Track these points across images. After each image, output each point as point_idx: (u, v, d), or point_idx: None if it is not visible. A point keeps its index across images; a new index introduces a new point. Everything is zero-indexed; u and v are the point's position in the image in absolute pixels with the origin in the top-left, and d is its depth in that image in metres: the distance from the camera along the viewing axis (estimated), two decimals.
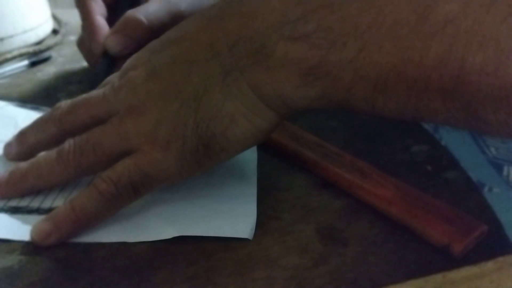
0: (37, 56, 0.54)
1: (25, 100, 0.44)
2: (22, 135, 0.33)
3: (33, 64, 0.52)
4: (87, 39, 0.44)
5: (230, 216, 0.29)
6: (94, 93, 0.31)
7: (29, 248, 0.27)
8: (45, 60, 0.53)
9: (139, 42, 0.40)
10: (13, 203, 0.30)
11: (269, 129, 0.28)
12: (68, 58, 0.54)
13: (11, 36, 0.54)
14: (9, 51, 0.53)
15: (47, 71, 0.51)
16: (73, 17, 0.66)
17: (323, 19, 0.24)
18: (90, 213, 0.28)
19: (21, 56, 0.53)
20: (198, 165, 0.28)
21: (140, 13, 0.40)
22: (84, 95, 0.32)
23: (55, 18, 0.63)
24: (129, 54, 0.40)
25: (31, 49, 0.55)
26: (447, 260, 0.26)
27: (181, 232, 0.28)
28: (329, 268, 0.26)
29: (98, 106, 0.30)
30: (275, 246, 0.27)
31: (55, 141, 0.31)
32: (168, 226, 0.28)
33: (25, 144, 0.33)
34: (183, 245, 0.28)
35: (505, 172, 0.36)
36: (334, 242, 0.28)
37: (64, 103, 0.32)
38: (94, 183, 0.28)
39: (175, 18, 0.41)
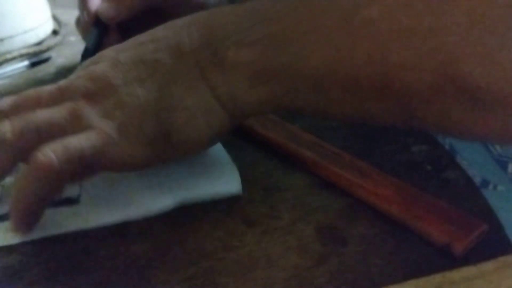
0: (37, 57, 0.54)
1: None
2: None
3: (33, 65, 0.52)
4: (80, 13, 0.44)
5: (217, 178, 0.31)
6: (47, 86, 0.30)
7: (29, 248, 0.27)
8: (45, 60, 0.53)
9: (131, 10, 0.41)
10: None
11: (223, 130, 0.29)
12: (68, 59, 0.54)
13: (11, 37, 0.54)
14: (9, 52, 0.53)
15: (47, 72, 0.51)
16: (73, 18, 0.66)
17: (267, 28, 0.27)
18: (34, 197, 0.26)
19: (21, 56, 0.54)
20: (153, 153, 0.28)
21: None
22: (33, 89, 0.30)
23: (55, 18, 0.63)
24: (121, 24, 0.40)
25: (31, 50, 0.55)
26: (447, 260, 0.26)
27: (179, 202, 0.30)
28: (329, 268, 0.26)
29: (49, 95, 0.28)
30: (275, 246, 0.27)
31: None
32: (164, 198, 0.30)
33: None
34: (183, 245, 0.28)
35: (510, 170, 0.36)
36: (334, 242, 0.28)
37: (7, 98, 0.29)
38: (32, 157, 0.25)
39: None
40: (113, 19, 0.41)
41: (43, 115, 0.27)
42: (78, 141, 0.26)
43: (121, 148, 0.27)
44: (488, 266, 0.24)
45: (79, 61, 0.44)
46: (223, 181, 0.31)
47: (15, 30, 0.55)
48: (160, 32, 0.30)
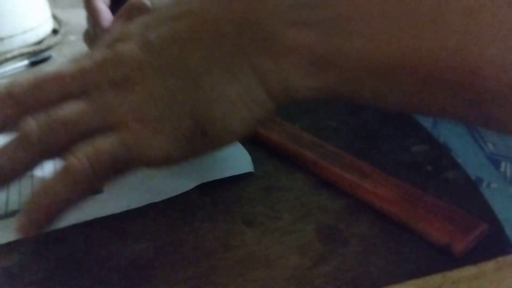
0: (37, 56, 0.54)
1: None
2: None
3: (33, 64, 0.52)
4: (90, 28, 0.43)
5: (231, 159, 0.34)
6: (67, 66, 0.27)
7: (29, 248, 0.27)
8: (45, 60, 0.53)
9: None
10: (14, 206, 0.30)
11: (265, 118, 0.27)
12: (68, 58, 0.54)
13: (11, 36, 0.54)
14: (9, 51, 0.53)
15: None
16: (73, 17, 0.66)
17: (336, 7, 0.23)
18: (62, 198, 0.24)
19: (21, 56, 0.54)
20: (190, 149, 0.26)
21: None
22: (52, 69, 0.27)
23: (55, 18, 0.63)
24: None
25: (31, 49, 0.55)
26: (447, 260, 0.26)
27: (199, 181, 0.31)
28: (329, 268, 0.26)
29: (72, 81, 0.26)
30: (275, 246, 0.27)
31: (13, 125, 0.26)
32: (184, 181, 0.31)
33: None
34: (183, 245, 0.28)
35: (502, 168, 0.36)
36: (334, 242, 0.28)
37: (24, 78, 0.27)
38: (67, 161, 0.24)
39: None
40: None
41: (70, 111, 0.25)
42: (111, 144, 0.24)
43: (156, 147, 0.25)
44: (488, 266, 0.24)
45: None
46: (237, 161, 0.33)
47: (15, 29, 0.55)
48: (195, 4, 0.26)
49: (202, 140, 0.26)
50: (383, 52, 0.23)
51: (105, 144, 0.24)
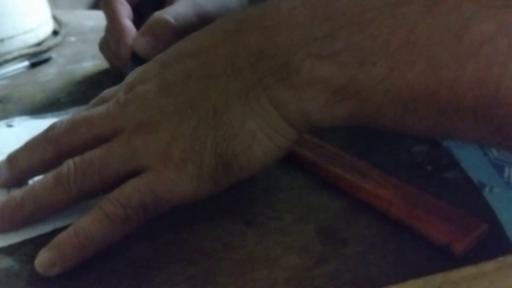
0: (37, 57, 0.54)
1: (25, 101, 0.44)
2: (13, 159, 0.30)
3: (33, 65, 0.52)
4: (112, 42, 0.43)
5: None
6: (96, 109, 0.29)
7: (29, 248, 0.27)
8: (45, 61, 0.54)
9: (167, 44, 0.39)
10: None
11: (289, 146, 0.28)
12: (68, 59, 0.54)
13: (11, 37, 0.54)
14: (9, 52, 0.53)
15: (47, 72, 0.51)
16: (73, 18, 0.67)
17: (352, 37, 0.23)
18: (96, 239, 0.26)
19: (21, 57, 0.54)
20: (215, 185, 0.27)
21: (168, 14, 0.39)
22: (84, 112, 0.29)
23: (55, 19, 0.63)
24: None
25: (31, 50, 0.55)
26: (447, 260, 0.26)
27: None
28: (329, 268, 0.26)
29: (102, 124, 0.28)
30: (275, 246, 0.27)
31: (51, 164, 0.28)
32: None
33: (16, 169, 0.30)
34: (183, 245, 0.28)
35: (506, 174, 0.36)
36: (334, 242, 0.28)
37: (61, 122, 0.29)
38: (100, 206, 0.26)
39: (201, 20, 0.40)
40: (149, 55, 0.38)
41: (101, 155, 0.27)
42: (138, 190, 0.26)
43: (180, 187, 0.26)
44: (488, 266, 0.24)
45: (79, 64, 0.44)
46: None
47: (15, 30, 0.55)
48: (208, 39, 0.27)
49: (226, 174, 0.27)
50: (401, 81, 0.23)
51: (133, 189, 0.26)
